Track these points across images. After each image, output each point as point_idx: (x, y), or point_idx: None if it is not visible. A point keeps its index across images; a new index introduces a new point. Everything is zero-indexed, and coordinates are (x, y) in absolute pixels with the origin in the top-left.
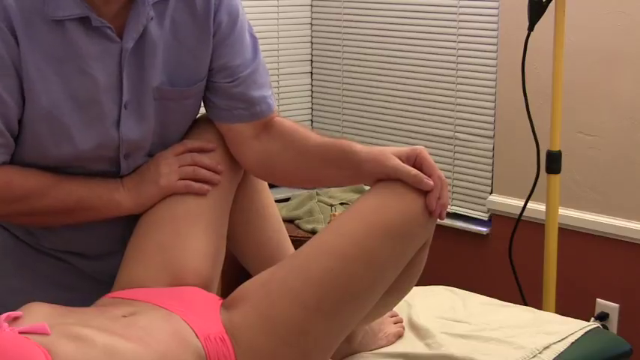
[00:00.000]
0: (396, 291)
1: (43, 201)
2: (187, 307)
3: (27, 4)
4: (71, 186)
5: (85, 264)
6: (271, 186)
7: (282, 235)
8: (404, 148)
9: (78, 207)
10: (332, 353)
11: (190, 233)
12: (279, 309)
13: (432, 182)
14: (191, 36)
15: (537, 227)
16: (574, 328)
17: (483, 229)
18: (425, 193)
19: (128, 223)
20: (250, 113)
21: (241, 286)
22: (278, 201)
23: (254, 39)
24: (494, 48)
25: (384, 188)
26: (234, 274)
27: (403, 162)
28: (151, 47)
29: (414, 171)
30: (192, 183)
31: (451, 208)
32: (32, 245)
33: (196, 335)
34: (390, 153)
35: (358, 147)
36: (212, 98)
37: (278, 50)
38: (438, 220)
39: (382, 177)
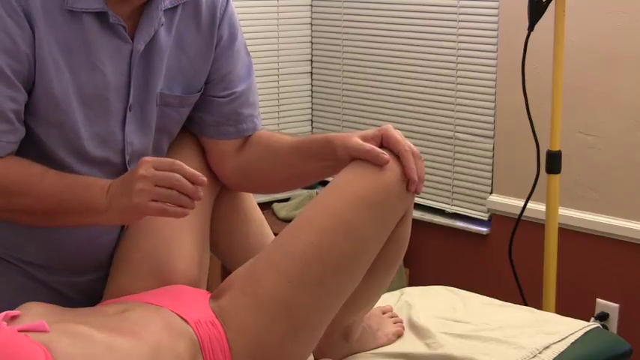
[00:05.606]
0: (384, 268)
1: (23, 200)
2: (175, 301)
3: None
4: (52, 188)
5: (56, 280)
6: None
7: (267, 237)
8: (371, 130)
9: (58, 210)
10: (323, 330)
11: (175, 239)
12: (265, 287)
13: (387, 156)
14: (193, 46)
15: (537, 227)
16: (574, 328)
17: (483, 229)
18: (400, 164)
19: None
20: (237, 130)
21: (227, 277)
22: (278, 201)
23: (249, 58)
24: (494, 48)
25: (358, 163)
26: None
27: (368, 142)
28: (158, 52)
29: (368, 146)
30: (168, 207)
31: (451, 208)
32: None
33: (187, 322)
34: (355, 134)
35: (332, 135)
36: (202, 114)
37: (278, 50)
38: (439, 219)
39: (350, 159)
